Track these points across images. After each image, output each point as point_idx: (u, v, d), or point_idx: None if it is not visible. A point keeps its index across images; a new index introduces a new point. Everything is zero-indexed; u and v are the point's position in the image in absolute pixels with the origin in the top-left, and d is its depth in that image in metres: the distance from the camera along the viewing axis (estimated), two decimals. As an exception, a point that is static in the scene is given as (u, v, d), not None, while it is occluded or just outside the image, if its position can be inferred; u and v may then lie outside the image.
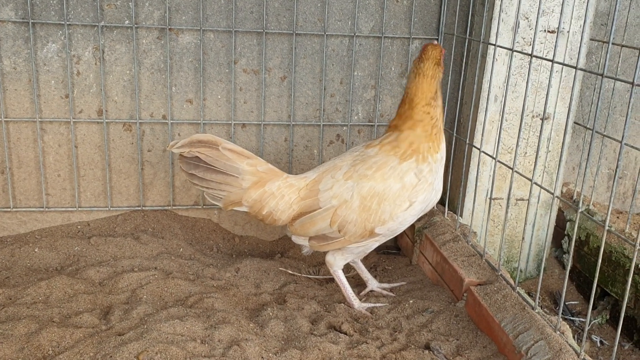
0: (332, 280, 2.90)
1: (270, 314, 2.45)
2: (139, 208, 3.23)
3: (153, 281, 2.66)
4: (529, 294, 2.96)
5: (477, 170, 2.84)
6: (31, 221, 3.13)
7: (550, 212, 3.21)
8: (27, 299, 2.47)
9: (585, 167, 2.08)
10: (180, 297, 2.59)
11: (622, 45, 3.18)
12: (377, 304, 2.65)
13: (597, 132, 2.07)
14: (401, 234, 3.28)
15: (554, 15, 2.86)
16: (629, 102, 1.81)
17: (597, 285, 3.06)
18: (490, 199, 2.69)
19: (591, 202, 3.36)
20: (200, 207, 3.29)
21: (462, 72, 3.09)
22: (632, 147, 2.87)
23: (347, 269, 2.94)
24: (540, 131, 2.32)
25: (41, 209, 3.12)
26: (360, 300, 2.69)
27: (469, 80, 3.09)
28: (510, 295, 2.37)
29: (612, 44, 1.90)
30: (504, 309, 2.30)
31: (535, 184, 2.35)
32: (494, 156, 2.61)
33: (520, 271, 3.28)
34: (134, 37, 2.96)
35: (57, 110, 3.01)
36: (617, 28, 3.49)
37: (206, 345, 2.17)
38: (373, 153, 2.50)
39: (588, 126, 3.25)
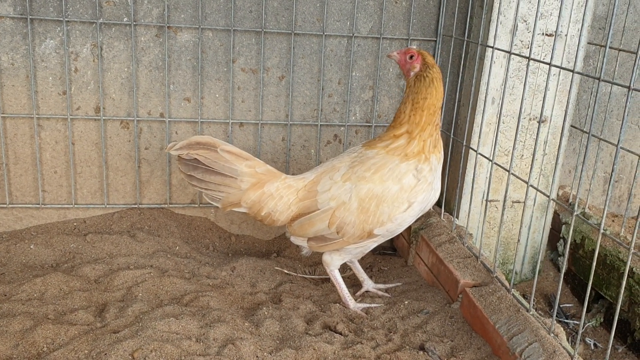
0: (328, 280, 2.91)
1: (266, 313, 2.45)
2: (136, 206, 3.23)
3: (149, 279, 2.66)
4: (524, 296, 2.97)
5: (474, 172, 2.85)
6: (27, 217, 3.13)
7: (546, 215, 3.22)
8: (22, 296, 2.47)
9: (581, 171, 2.09)
10: (175, 296, 2.59)
11: (620, 50, 3.20)
12: (373, 305, 2.65)
13: (593, 135, 2.08)
14: (397, 235, 3.29)
15: (552, 18, 2.87)
16: (626, 106, 1.82)
17: (592, 288, 3.08)
18: (487, 200, 2.69)
19: (587, 206, 3.37)
20: (196, 205, 3.29)
21: (460, 74, 3.10)
22: (628, 150, 2.89)
23: (344, 269, 2.94)
24: (537, 134, 2.32)
25: (37, 206, 3.11)
26: (355, 300, 2.69)
27: (466, 82, 3.09)
28: (505, 297, 2.37)
29: (610, 47, 1.90)
30: (499, 310, 2.31)
31: (532, 186, 2.35)
32: (491, 158, 2.62)
33: (516, 273, 3.29)
34: (132, 34, 2.95)
35: (55, 107, 3.00)
36: (614, 32, 3.51)
37: (201, 343, 2.17)
38: (373, 154, 2.50)
39: (584, 129, 3.26)
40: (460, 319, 2.49)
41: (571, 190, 3.58)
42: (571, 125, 3.27)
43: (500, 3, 2.72)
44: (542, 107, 2.34)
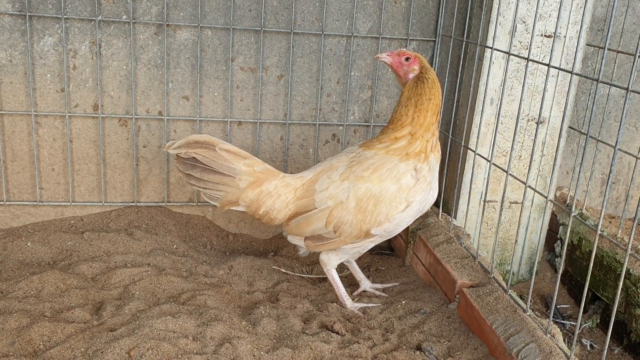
0: (325, 279, 2.91)
1: (263, 312, 2.45)
2: (133, 204, 3.22)
3: (146, 277, 2.66)
4: (520, 296, 2.97)
5: (472, 173, 2.85)
6: (24, 215, 3.12)
7: (544, 216, 3.22)
8: (18, 293, 2.46)
9: (579, 172, 2.09)
10: (172, 294, 2.58)
11: (618, 51, 3.20)
12: (370, 304, 2.66)
13: (591, 137, 2.08)
14: (395, 235, 3.29)
15: (551, 19, 2.87)
16: (624, 108, 1.83)
17: (589, 289, 3.08)
18: (485, 201, 2.69)
19: (584, 207, 3.38)
20: (194, 204, 3.29)
21: (459, 75, 3.10)
22: (625, 152, 2.89)
23: (341, 268, 2.94)
24: (535, 135, 2.33)
25: (34, 203, 3.11)
26: (352, 300, 2.69)
27: (465, 83, 3.09)
28: (502, 297, 2.38)
29: (608, 49, 1.91)
30: (496, 311, 2.31)
31: (529, 187, 2.36)
32: (489, 159, 2.62)
33: (513, 274, 3.30)
34: (131, 32, 2.95)
35: (53, 104, 3.00)
36: (613, 34, 3.51)
37: (198, 342, 2.17)
38: (371, 154, 2.49)
39: (582, 131, 3.26)
40: (457, 319, 2.49)
41: (569, 191, 3.58)
42: (569, 127, 3.28)
43: (499, 4, 2.73)
44: (541, 108, 2.34)
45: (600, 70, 1.93)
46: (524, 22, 2.87)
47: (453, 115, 3.09)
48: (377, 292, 2.81)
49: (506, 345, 2.14)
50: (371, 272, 3.11)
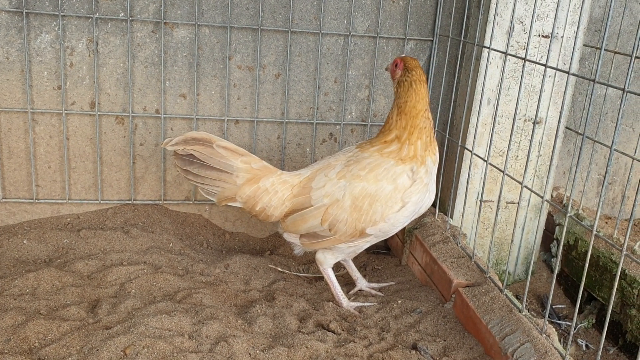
0: (322, 278, 2.91)
1: (259, 310, 2.45)
2: (130, 202, 3.22)
3: (142, 275, 2.66)
4: (517, 296, 2.98)
5: (469, 173, 2.86)
6: (20, 212, 3.12)
7: (540, 216, 3.23)
8: (14, 291, 2.46)
9: (575, 172, 2.09)
10: (168, 292, 2.58)
11: (615, 52, 3.21)
12: (366, 304, 2.66)
13: (587, 137, 2.09)
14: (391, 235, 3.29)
15: (548, 20, 2.87)
16: (620, 108, 1.83)
17: (584, 289, 3.09)
18: (481, 201, 2.70)
19: (580, 207, 3.38)
20: (191, 202, 3.28)
21: (456, 74, 3.10)
22: (622, 153, 2.90)
23: (337, 267, 2.94)
24: (532, 135, 2.33)
25: (31, 201, 3.10)
26: (349, 299, 2.69)
27: (462, 83, 3.10)
28: (498, 297, 2.38)
29: (605, 50, 1.91)
30: (492, 311, 2.32)
31: (526, 187, 2.36)
32: (486, 159, 2.62)
33: (509, 274, 3.30)
34: (128, 30, 2.95)
35: (49, 102, 2.99)
36: (610, 35, 3.52)
37: (193, 340, 2.16)
38: (368, 155, 2.50)
39: (579, 131, 3.27)
40: (453, 318, 2.49)
41: (565, 191, 3.59)
42: (566, 127, 3.28)
43: (497, 4, 2.73)
44: (537, 108, 2.34)
45: (597, 71, 1.94)
46: (522, 22, 2.87)
47: (450, 115, 3.09)
48: (373, 292, 2.81)
49: (501, 345, 2.14)
50: (367, 271, 3.11)
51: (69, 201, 3.14)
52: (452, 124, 3.17)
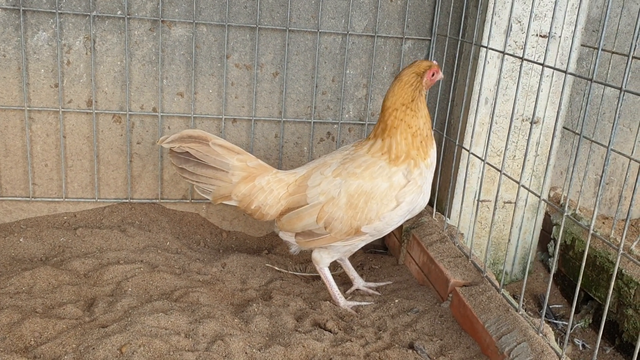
0: (319, 277, 2.91)
1: (256, 309, 2.45)
2: (127, 200, 3.21)
3: (138, 274, 2.65)
4: (513, 296, 2.97)
5: (466, 172, 2.85)
6: (17, 211, 3.11)
7: (537, 216, 3.23)
8: (10, 289, 2.45)
9: (572, 172, 2.09)
10: (165, 291, 2.58)
11: (613, 52, 3.21)
12: (363, 303, 2.66)
13: (584, 137, 2.09)
14: (389, 234, 3.29)
15: (546, 19, 2.87)
16: (617, 108, 1.83)
17: (581, 289, 3.09)
18: (478, 201, 2.70)
19: (577, 207, 3.38)
20: (188, 201, 3.28)
21: (454, 74, 3.10)
22: (619, 153, 2.90)
23: (334, 267, 2.94)
24: (529, 135, 2.33)
25: (27, 199, 3.09)
26: (345, 298, 2.69)
27: (460, 82, 3.10)
28: (495, 296, 2.38)
29: (602, 50, 1.91)
30: (488, 310, 2.32)
31: (523, 186, 2.36)
32: (483, 158, 2.62)
33: (506, 274, 3.30)
34: (126, 28, 2.94)
35: (46, 100, 2.98)
36: (607, 35, 3.52)
37: (190, 339, 2.16)
38: (363, 153, 2.50)
39: (576, 131, 3.27)
40: (450, 318, 2.49)
41: (563, 191, 3.59)
42: (563, 127, 3.28)
43: (494, 3, 2.73)
44: (535, 108, 2.34)
45: (594, 70, 1.94)
46: (519, 22, 2.87)
47: (448, 114, 3.09)
48: (370, 291, 2.81)
49: (498, 344, 2.14)
50: (365, 270, 3.11)
51: (66, 199, 3.13)
52: (449, 124, 3.17)
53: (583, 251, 3.11)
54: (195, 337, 2.17)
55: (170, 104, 3.11)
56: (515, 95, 2.40)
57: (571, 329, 3.03)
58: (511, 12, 2.50)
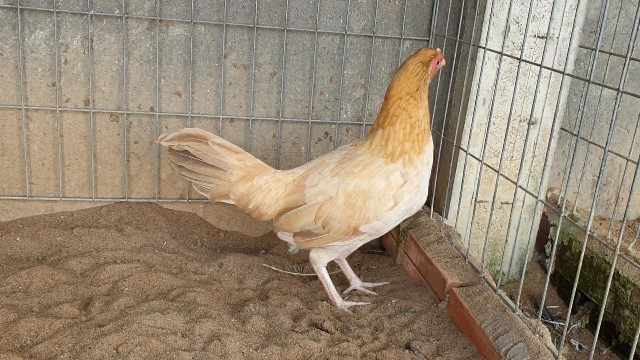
0: (316, 277, 2.90)
1: (252, 309, 2.44)
2: (124, 200, 3.21)
3: (135, 273, 2.65)
4: (510, 297, 2.98)
5: (463, 173, 2.85)
6: (14, 210, 3.10)
7: (534, 217, 3.23)
8: (6, 288, 2.45)
9: (569, 173, 2.09)
10: (162, 291, 2.57)
11: (610, 53, 3.21)
12: (360, 303, 2.65)
13: (582, 138, 2.09)
14: (386, 234, 3.29)
15: (544, 20, 2.88)
16: (614, 109, 1.83)
17: (578, 290, 3.09)
18: (476, 201, 2.70)
19: (575, 208, 3.39)
20: (185, 200, 3.27)
21: (452, 74, 3.10)
22: (616, 154, 2.90)
23: (332, 267, 2.94)
24: (527, 136, 2.33)
25: (24, 198, 3.08)
26: (343, 298, 2.69)
27: (458, 83, 3.10)
28: (492, 297, 2.38)
29: (600, 51, 1.91)
30: (485, 310, 2.32)
31: (520, 187, 2.36)
32: (481, 159, 2.62)
33: (503, 274, 3.31)
34: (123, 27, 2.93)
35: (44, 99, 2.98)
36: (605, 36, 3.52)
37: (186, 339, 2.16)
38: (361, 152, 2.51)
39: (574, 132, 3.27)
40: (447, 318, 2.49)
41: (560, 192, 3.59)
42: (561, 128, 3.29)
43: (492, 4, 2.73)
44: (532, 109, 2.34)
45: (591, 71, 1.94)
46: (517, 23, 2.87)
47: (445, 115, 3.10)
48: (368, 291, 2.81)
49: (495, 345, 2.14)
50: (362, 270, 3.11)
51: (63, 199, 3.13)
52: (447, 124, 3.17)
53: (580, 252, 3.12)
54: (191, 337, 2.17)
55: (168, 104, 3.10)
56: (513, 96, 2.40)
57: (568, 329, 3.03)
58: (509, 12, 2.51)
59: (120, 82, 3.02)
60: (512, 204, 2.52)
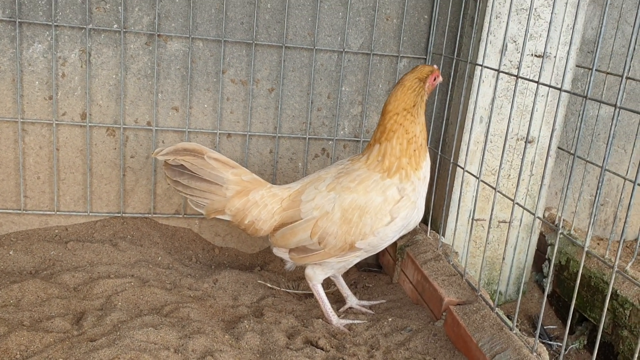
0: (311, 295, 2.87)
1: (247, 326, 2.41)
2: (119, 214, 3.19)
3: (129, 288, 2.62)
4: (508, 316, 2.95)
5: (461, 190, 2.85)
6: (7, 223, 3.08)
7: (532, 235, 3.22)
8: (-3, 302, 2.41)
9: (566, 191, 2.09)
10: (155, 306, 2.54)
11: (607, 73, 3.22)
12: (356, 321, 2.62)
13: (579, 157, 2.08)
14: (383, 252, 3.27)
15: (541, 39, 2.89)
16: (612, 127, 1.83)
17: (576, 310, 3.07)
18: (473, 219, 2.69)
19: (572, 228, 3.37)
20: (181, 216, 3.25)
21: (449, 92, 3.11)
22: (613, 173, 2.90)
23: (328, 284, 2.91)
24: (524, 154, 2.32)
25: (18, 212, 3.06)
26: (338, 316, 2.66)
27: (455, 101, 3.10)
28: (489, 315, 2.35)
29: (597, 70, 1.92)
30: (482, 329, 2.29)
31: (517, 204, 2.35)
32: (478, 176, 2.62)
33: (500, 294, 3.28)
34: (121, 41, 2.94)
35: (40, 112, 2.97)
36: (602, 56, 3.55)
37: (179, 354, 2.12)
38: (357, 167, 2.50)
39: (571, 151, 3.27)
40: (444, 336, 2.46)
41: (557, 212, 3.58)
42: (558, 147, 3.29)
43: (490, 23, 2.74)
44: (529, 127, 2.34)
45: (588, 89, 1.94)
46: (515, 42, 2.89)
47: (442, 133, 3.09)
48: (364, 309, 2.78)
49: (492, 364, 2.11)
50: (358, 288, 3.08)
51: (58, 213, 3.10)
52: (444, 142, 3.17)
53: (577, 271, 3.10)
54: (184, 353, 2.14)
55: (165, 118, 3.10)
56: (510, 114, 2.40)
57: (566, 350, 2.99)
58: (506, 31, 2.51)
59: (117, 96, 3.02)
60: (510, 222, 2.51)
